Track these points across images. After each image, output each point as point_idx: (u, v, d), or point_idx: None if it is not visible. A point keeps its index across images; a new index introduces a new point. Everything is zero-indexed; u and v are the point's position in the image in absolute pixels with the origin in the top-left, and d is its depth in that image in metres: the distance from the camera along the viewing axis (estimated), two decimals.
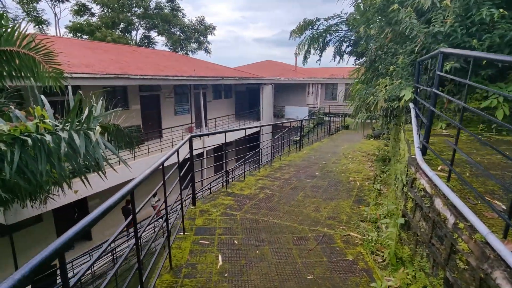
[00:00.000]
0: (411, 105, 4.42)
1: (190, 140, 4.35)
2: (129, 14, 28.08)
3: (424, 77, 4.80)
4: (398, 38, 5.68)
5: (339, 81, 26.77)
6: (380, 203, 4.57)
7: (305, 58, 8.11)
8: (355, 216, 4.24)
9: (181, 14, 29.91)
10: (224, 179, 5.88)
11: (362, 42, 7.03)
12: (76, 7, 26.52)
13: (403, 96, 4.90)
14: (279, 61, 35.54)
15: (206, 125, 18.49)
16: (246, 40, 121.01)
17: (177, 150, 3.42)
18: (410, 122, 4.14)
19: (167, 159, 2.98)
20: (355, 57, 7.97)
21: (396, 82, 5.30)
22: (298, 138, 16.95)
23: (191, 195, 4.75)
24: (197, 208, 4.53)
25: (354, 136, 14.82)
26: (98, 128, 3.53)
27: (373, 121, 9.41)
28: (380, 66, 6.11)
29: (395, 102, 5.36)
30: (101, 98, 4.41)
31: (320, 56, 8.19)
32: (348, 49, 7.56)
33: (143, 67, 12.74)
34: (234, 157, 23.96)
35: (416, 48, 4.90)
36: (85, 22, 22.92)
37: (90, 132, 3.47)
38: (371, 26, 6.57)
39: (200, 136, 6.00)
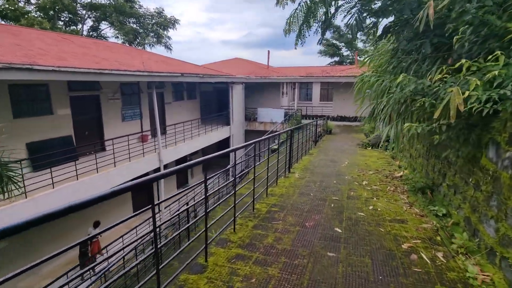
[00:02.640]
0: None
1: None
2: (74, 3, 23.87)
3: None
4: None
5: (315, 79, 24.48)
6: None
7: (300, 36, 5.28)
8: None
9: (137, 6, 26.15)
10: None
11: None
12: None
13: None
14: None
15: (164, 133, 15.20)
16: (213, 42, 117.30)
17: None
18: None
19: None
20: (379, 33, 5.26)
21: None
22: (276, 149, 14.21)
23: None
24: None
25: (344, 144, 12.34)
26: None
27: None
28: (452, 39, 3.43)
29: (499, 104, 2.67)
30: None
31: (323, 34, 5.42)
32: (370, 20, 4.84)
33: (68, 57, 9.28)
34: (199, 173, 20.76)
35: None
36: (8, 6, 18.55)
37: None
38: None
39: None
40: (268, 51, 25.21)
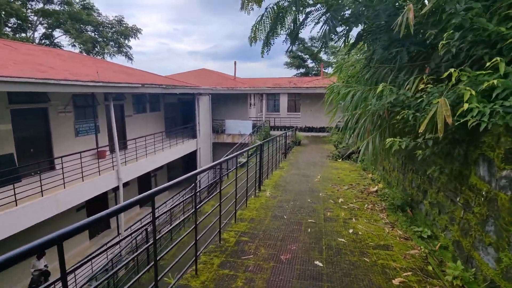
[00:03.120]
0: None
1: None
2: (24, 9, 22.03)
3: None
4: None
5: (282, 90, 24.51)
6: None
7: (266, 45, 4.84)
8: None
9: (95, 14, 24.73)
10: None
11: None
12: None
13: None
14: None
15: (125, 148, 14.11)
16: (180, 53, 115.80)
17: None
18: None
19: None
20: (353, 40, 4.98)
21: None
22: (246, 161, 13.59)
23: None
24: None
25: (314, 156, 12.11)
26: None
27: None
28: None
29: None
30: None
31: (292, 43, 5.05)
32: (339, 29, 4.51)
33: (8, 64, 8.16)
34: (166, 181, 19.60)
35: None
36: None
37: None
38: None
39: None
40: (235, 62, 24.92)
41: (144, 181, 16.96)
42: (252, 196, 5.81)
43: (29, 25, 23.15)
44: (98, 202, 12.75)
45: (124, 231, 12.53)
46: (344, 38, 4.79)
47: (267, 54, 4.91)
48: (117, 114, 14.72)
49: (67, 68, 10.59)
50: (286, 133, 12.28)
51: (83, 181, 9.61)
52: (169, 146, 15.36)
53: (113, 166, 11.06)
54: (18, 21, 22.70)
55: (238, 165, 4.91)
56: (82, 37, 21.59)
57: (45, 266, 8.91)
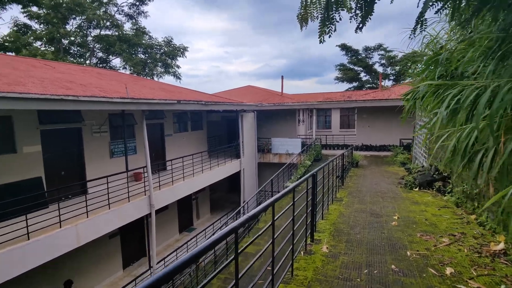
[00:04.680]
0: None
1: None
2: (81, 34, 23.37)
3: None
4: None
5: (335, 105, 22.24)
6: None
7: (327, 21, 2.98)
8: None
9: (147, 36, 25.49)
10: None
11: None
12: (15, 28, 21.63)
13: None
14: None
15: (164, 169, 13.16)
16: (229, 74, 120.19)
17: None
18: None
19: None
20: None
21: None
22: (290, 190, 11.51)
23: None
24: None
25: (379, 182, 9.74)
26: None
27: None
28: None
29: None
30: None
31: (365, 18, 3.16)
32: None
33: (28, 82, 7.49)
34: (208, 210, 18.31)
35: None
36: (9, 38, 17.84)
37: None
38: None
39: None
40: (282, 77, 23.45)
41: (184, 204, 15.86)
42: (302, 253, 3.90)
43: (87, 51, 24.47)
44: (134, 227, 11.79)
45: (158, 262, 11.27)
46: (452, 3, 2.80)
47: (330, 36, 3.11)
48: (156, 133, 13.97)
49: (100, 85, 9.92)
50: (344, 153, 10.12)
51: (109, 208, 8.55)
52: (210, 168, 14.07)
53: (145, 191, 9.94)
54: (78, 48, 24.11)
55: (273, 200, 3.04)
56: (132, 59, 22.09)
57: None
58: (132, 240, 12.47)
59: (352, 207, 6.34)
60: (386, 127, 19.37)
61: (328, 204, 6.39)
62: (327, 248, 4.05)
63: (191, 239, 14.11)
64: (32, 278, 8.31)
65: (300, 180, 3.91)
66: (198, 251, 1.34)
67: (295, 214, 3.27)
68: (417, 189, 8.12)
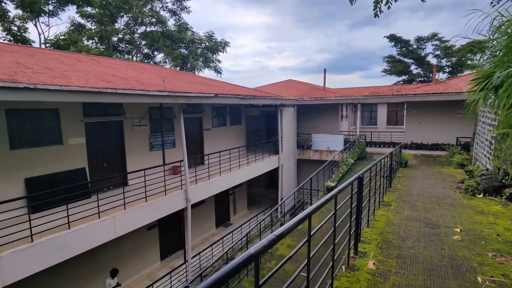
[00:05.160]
0: None
1: None
2: (128, 31, 24.39)
3: None
4: None
5: (383, 99, 20.77)
6: None
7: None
8: None
9: (190, 32, 25.89)
10: None
11: None
12: (72, 27, 23.21)
13: None
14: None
15: (202, 163, 13.17)
16: (271, 69, 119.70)
17: None
18: None
19: None
20: None
21: None
22: (332, 187, 10.66)
23: None
24: None
25: (433, 185, 8.68)
26: None
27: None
28: None
29: None
30: None
31: None
32: None
33: (71, 75, 7.68)
34: (245, 206, 18.08)
35: None
36: (64, 36, 19.11)
37: None
38: None
39: None
40: (325, 70, 22.49)
41: (222, 198, 15.80)
42: (343, 268, 3.35)
43: (134, 47, 25.50)
44: (172, 219, 11.93)
45: (193, 257, 11.27)
46: None
47: (389, 8, 2.53)
48: (194, 127, 13.99)
49: (140, 79, 10.02)
50: (392, 152, 9.18)
51: (146, 201, 8.60)
52: (247, 163, 13.78)
53: (181, 185, 9.91)
54: (126, 45, 25.22)
55: (310, 212, 2.54)
56: (173, 53, 22.55)
57: (118, 284, 8.79)
58: (170, 233, 12.65)
59: (402, 214, 5.57)
60: (440, 124, 17.58)
61: (374, 209, 5.68)
62: (374, 264, 3.45)
63: (227, 234, 14.02)
64: (73, 266, 8.67)
65: (344, 184, 3.34)
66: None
67: (336, 225, 2.73)
68: (481, 195, 7.01)
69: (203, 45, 24.93)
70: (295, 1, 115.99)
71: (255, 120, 19.68)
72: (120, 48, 24.92)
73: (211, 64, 25.26)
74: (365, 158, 16.37)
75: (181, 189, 9.90)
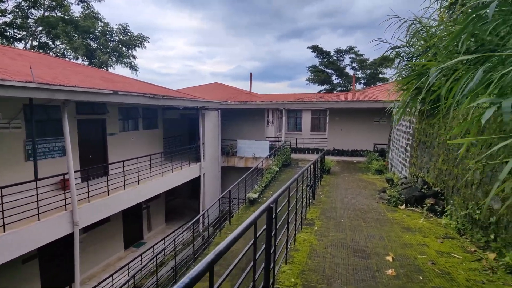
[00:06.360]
0: None
1: None
2: (20, 14, 20.18)
3: None
4: None
5: (307, 105, 20.97)
6: None
7: None
8: None
9: (101, 23, 22.59)
10: None
11: None
12: None
13: None
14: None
15: (106, 174, 10.93)
16: (203, 74, 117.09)
17: None
18: None
19: None
20: None
21: None
22: (254, 199, 9.55)
23: None
24: None
25: (356, 196, 8.25)
26: None
27: None
28: None
29: None
30: None
31: None
32: None
33: None
34: (162, 221, 15.96)
35: None
36: None
37: None
38: None
39: None
40: (251, 74, 21.73)
41: (132, 214, 13.60)
42: None
43: (28, 34, 21.24)
44: (60, 246, 9.47)
45: None
46: None
47: None
48: (96, 131, 11.65)
49: (6, 67, 7.55)
50: (316, 160, 8.53)
51: (4, 231, 6.29)
52: (161, 174, 11.98)
53: (65, 206, 7.71)
54: (17, 30, 20.85)
55: (212, 259, 1.21)
56: (73, 43, 19.15)
57: None
58: (56, 264, 10.08)
59: (328, 237, 4.67)
60: (359, 130, 18.27)
61: (296, 231, 4.67)
62: None
63: (137, 256, 11.90)
64: None
65: (253, 217, 2.13)
66: None
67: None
68: (403, 206, 6.66)
69: (116, 38, 21.94)
70: (226, 8, 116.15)
71: (175, 124, 17.85)
72: (7, 34, 20.42)
73: (125, 60, 22.35)
74: (290, 165, 15.94)
75: (65, 209, 7.71)
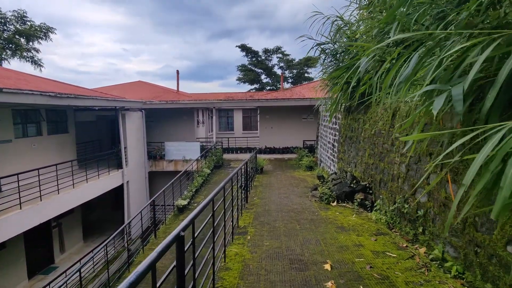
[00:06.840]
0: None
1: None
2: None
3: None
4: None
5: (237, 104, 20.65)
6: None
7: None
8: None
9: None
10: None
11: None
12: None
13: None
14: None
15: None
16: (128, 73, 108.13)
17: None
18: None
19: None
20: None
21: None
22: (183, 206, 8.67)
23: None
24: None
25: (290, 196, 8.07)
26: None
27: None
28: None
29: None
30: None
31: None
32: None
33: None
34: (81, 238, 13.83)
35: None
36: None
37: None
38: None
39: None
40: (177, 71, 20.50)
41: (38, 235, 11.49)
42: None
43: None
44: None
45: None
46: None
47: None
48: None
49: None
50: (248, 160, 8.11)
51: None
52: (73, 185, 10.28)
53: None
54: None
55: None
56: None
57: None
58: None
59: (262, 247, 4.22)
60: (289, 128, 18.61)
61: (227, 242, 4.11)
62: None
63: (46, 285, 9.98)
64: None
65: (154, 256, 1.48)
66: None
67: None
68: (334, 203, 6.63)
69: (11, 27, 18.42)
70: (153, 4, 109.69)
71: (92, 127, 15.78)
72: None
73: (24, 54, 18.92)
74: (223, 166, 15.38)
75: None
